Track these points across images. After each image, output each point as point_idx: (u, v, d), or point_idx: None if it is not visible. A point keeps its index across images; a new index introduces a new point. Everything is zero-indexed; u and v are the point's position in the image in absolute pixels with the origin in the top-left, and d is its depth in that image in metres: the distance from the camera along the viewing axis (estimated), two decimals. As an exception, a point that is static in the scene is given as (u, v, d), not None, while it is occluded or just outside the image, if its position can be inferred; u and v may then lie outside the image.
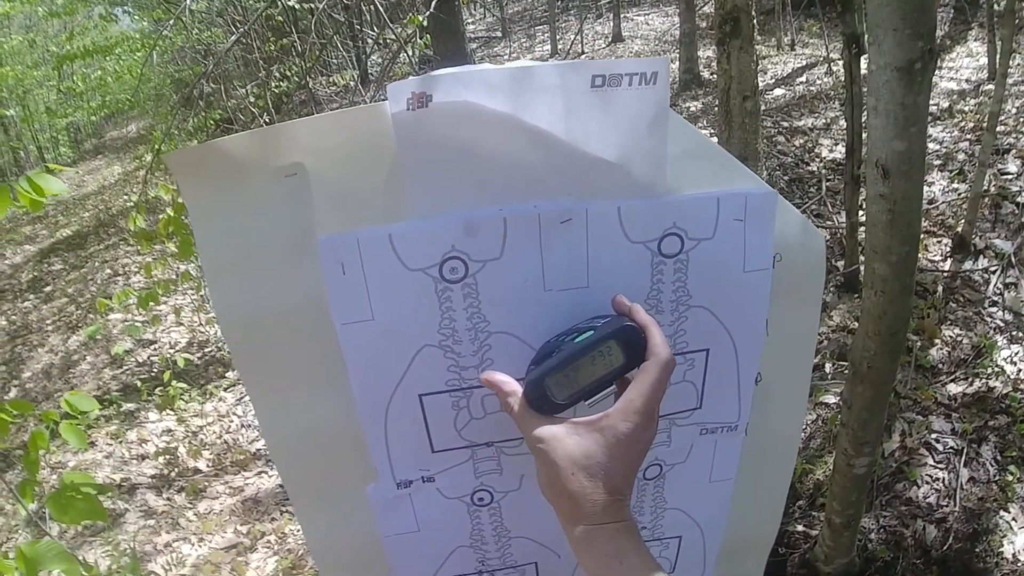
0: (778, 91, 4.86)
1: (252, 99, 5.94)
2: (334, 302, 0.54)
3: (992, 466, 1.70)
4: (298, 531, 2.68)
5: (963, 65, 4.91)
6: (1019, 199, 2.94)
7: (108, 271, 5.99)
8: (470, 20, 8.56)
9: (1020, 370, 1.98)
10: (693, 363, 0.63)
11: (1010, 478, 1.68)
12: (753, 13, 3.32)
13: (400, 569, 0.68)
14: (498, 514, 0.67)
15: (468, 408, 0.60)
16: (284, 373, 0.57)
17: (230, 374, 4.00)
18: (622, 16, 7.46)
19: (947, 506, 1.64)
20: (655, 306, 0.59)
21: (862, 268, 2.49)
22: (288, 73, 6.45)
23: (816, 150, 3.78)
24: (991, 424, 1.81)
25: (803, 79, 5.15)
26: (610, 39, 7.26)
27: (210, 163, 0.50)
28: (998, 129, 3.50)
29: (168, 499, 3.03)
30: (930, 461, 1.74)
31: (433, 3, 3.71)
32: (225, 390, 3.84)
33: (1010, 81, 4.42)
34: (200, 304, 4.79)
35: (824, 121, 4.16)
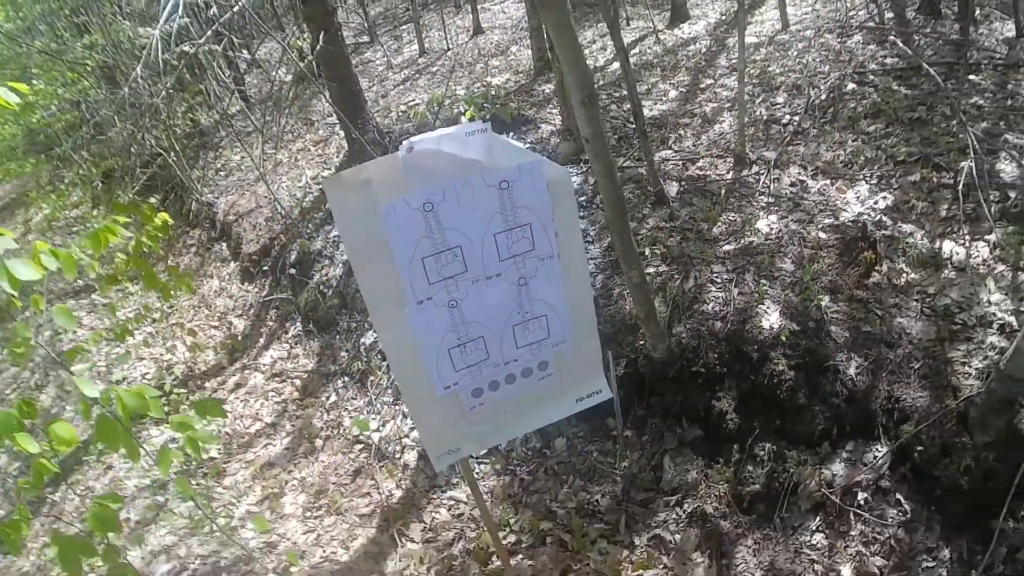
0: (615, 64, 5.89)
1: (153, 141, 6.28)
2: (387, 230, 1.41)
3: (752, 283, 2.81)
4: (309, 476, 3.47)
5: (769, 18, 5.90)
6: (783, 121, 4.13)
7: (48, 332, 6.08)
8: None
9: (771, 229, 3.12)
10: (526, 230, 1.55)
11: (764, 287, 2.78)
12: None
13: (423, 341, 1.58)
14: (460, 310, 1.58)
15: (440, 259, 1.50)
16: (375, 259, 1.44)
17: (208, 384, 4.56)
18: (479, 7, 8.18)
19: (726, 309, 2.73)
20: (503, 208, 1.50)
21: (664, 187, 3.56)
22: (180, 111, 6.85)
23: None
24: (751, 261, 2.92)
25: (636, 50, 6.21)
26: (471, 32, 7.99)
27: (344, 182, 1.36)
28: (776, 70, 4.69)
29: (197, 483, 3.66)
30: (713, 289, 2.82)
31: (321, 37, 4.38)
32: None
33: (800, 26, 5.57)
34: (164, 333, 5.23)
35: (646, 87, 5.20)
